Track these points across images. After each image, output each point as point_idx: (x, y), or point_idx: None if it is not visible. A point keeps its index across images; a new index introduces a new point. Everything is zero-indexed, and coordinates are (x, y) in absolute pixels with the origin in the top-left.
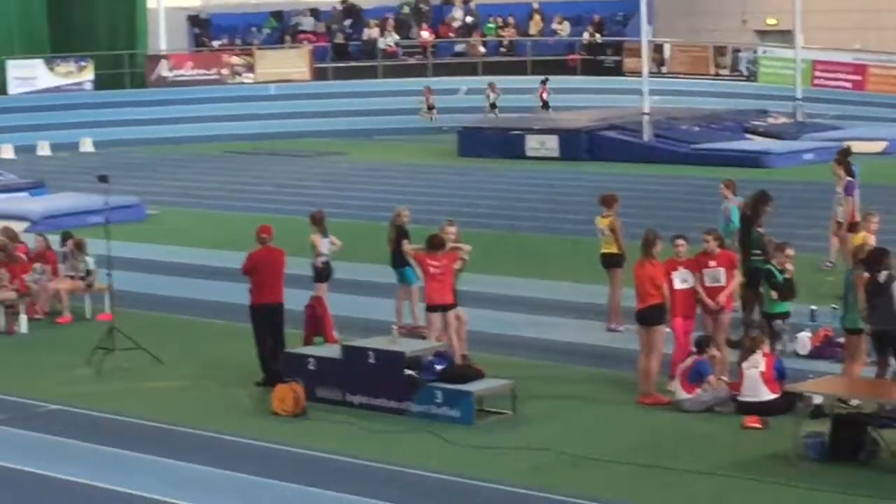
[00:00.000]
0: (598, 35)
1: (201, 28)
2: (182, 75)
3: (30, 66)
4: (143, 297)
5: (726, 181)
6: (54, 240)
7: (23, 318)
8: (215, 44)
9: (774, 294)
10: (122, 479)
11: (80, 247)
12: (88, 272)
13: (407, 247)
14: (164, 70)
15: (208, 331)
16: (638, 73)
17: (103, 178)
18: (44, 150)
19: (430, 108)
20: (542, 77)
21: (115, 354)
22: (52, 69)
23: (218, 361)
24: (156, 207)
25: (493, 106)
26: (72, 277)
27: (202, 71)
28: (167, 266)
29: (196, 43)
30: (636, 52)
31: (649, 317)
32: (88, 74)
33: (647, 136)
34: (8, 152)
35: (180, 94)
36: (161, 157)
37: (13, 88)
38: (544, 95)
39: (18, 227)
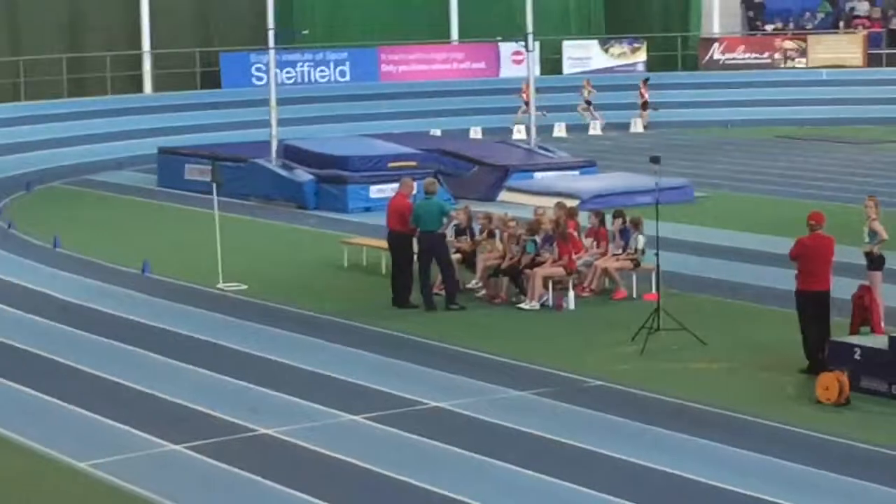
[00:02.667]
0: None
1: (755, 11)
2: (734, 58)
3: (585, 46)
4: (689, 278)
5: None
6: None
7: (570, 295)
8: (768, 28)
9: None
10: (660, 458)
11: (636, 225)
12: (636, 251)
13: None
14: (716, 53)
15: (753, 315)
16: None
17: (655, 160)
18: (595, 129)
19: None
20: (644, 75)
21: (660, 334)
22: (605, 50)
23: (761, 346)
24: (704, 190)
25: None
26: (619, 256)
27: (754, 54)
28: (714, 249)
29: (749, 26)
30: None
31: None
32: (641, 56)
33: None
34: (561, 131)
35: (732, 77)
36: (710, 140)
37: (568, 68)
38: (645, 94)
39: (568, 204)
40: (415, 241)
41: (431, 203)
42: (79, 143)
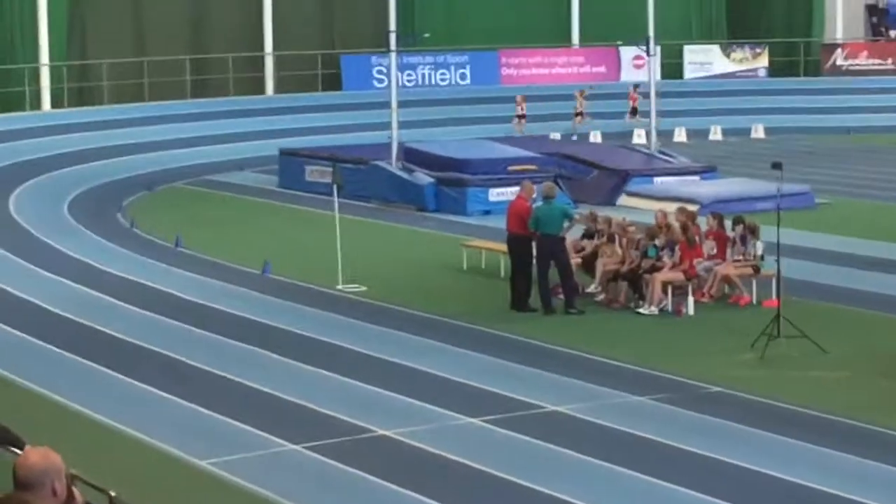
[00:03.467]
0: None
1: (878, 17)
2: (856, 64)
3: (706, 51)
4: (811, 285)
5: None
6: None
7: (690, 300)
8: (892, 33)
9: None
10: (778, 465)
11: (752, 231)
12: (755, 256)
13: None
14: (838, 59)
15: (874, 323)
16: None
17: (777, 166)
18: (716, 134)
19: None
20: (634, 82)
21: (780, 341)
22: (727, 55)
23: (882, 354)
24: (825, 196)
25: None
26: (739, 262)
27: (877, 60)
28: (835, 255)
29: (872, 32)
30: None
31: None
32: (762, 61)
33: None
34: (681, 135)
35: (854, 83)
36: (832, 147)
37: (689, 73)
38: (634, 102)
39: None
40: (534, 244)
41: (553, 207)
42: (201, 144)
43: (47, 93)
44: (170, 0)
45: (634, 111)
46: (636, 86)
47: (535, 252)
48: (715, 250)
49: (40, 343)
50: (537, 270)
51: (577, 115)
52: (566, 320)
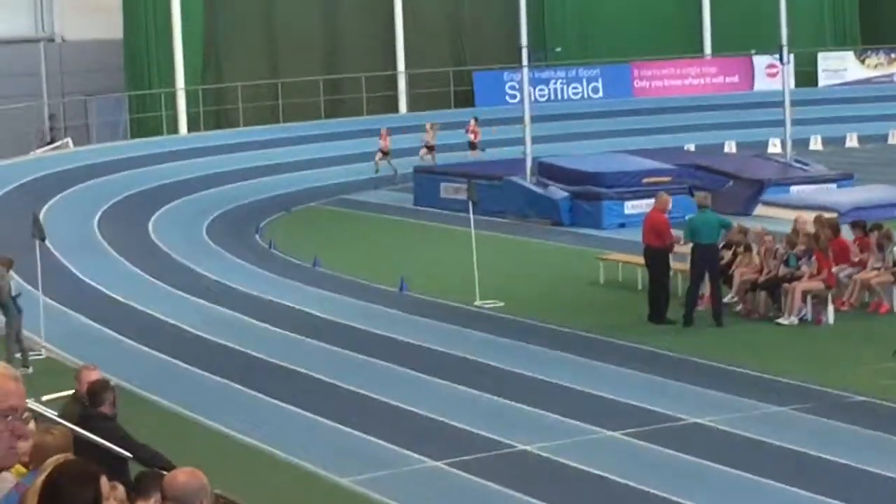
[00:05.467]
0: None
1: None
2: None
3: (840, 58)
4: None
5: None
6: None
7: (830, 309)
8: None
9: None
10: None
11: (889, 238)
12: (894, 263)
13: None
14: None
15: None
16: None
17: None
18: (852, 141)
19: None
20: (474, 114)
21: None
22: (861, 61)
23: None
24: None
25: None
26: (879, 269)
27: None
28: None
29: None
30: None
31: None
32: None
33: None
34: (816, 143)
35: None
36: None
37: (823, 80)
38: (473, 135)
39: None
40: (670, 256)
41: (709, 216)
42: (336, 164)
43: (184, 116)
44: (303, 22)
45: (473, 146)
46: (475, 118)
47: (671, 264)
48: (860, 254)
49: (182, 365)
50: (690, 279)
51: (427, 147)
52: (704, 331)
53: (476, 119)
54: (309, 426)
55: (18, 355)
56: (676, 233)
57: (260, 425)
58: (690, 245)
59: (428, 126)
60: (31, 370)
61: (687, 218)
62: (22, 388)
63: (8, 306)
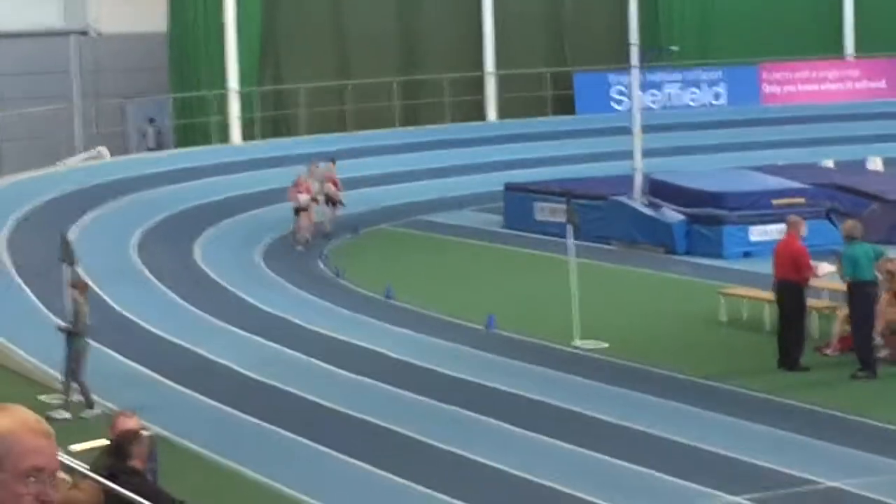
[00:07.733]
0: None
1: None
2: None
3: None
4: None
5: None
6: None
7: None
8: None
9: None
10: None
11: None
12: None
13: None
14: None
15: None
16: None
17: None
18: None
19: None
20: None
21: None
22: None
23: None
24: None
25: None
26: None
27: None
28: None
29: None
30: None
31: None
32: None
33: None
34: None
35: None
36: None
37: None
38: (332, 184)
39: None
40: (805, 291)
41: (867, 248)
42: (412, 179)
43: (237, 123)
44: (376, 16)
45: (332, 202)
46: (332, 160)
47: (807, 300)
48: None
49: (234, 412)
50: (853, 324)
51: (314, 199)
52: (843, 380)
53: (334, 161)
54: (385, 489)
55: (78, 397)
56: (823, 265)
57: (324, 486)
58: (846, 282)
59: (312, 167)
60: (97, 411)
61: (842, 250)
62: (54, 446)
63: (82, 335)
